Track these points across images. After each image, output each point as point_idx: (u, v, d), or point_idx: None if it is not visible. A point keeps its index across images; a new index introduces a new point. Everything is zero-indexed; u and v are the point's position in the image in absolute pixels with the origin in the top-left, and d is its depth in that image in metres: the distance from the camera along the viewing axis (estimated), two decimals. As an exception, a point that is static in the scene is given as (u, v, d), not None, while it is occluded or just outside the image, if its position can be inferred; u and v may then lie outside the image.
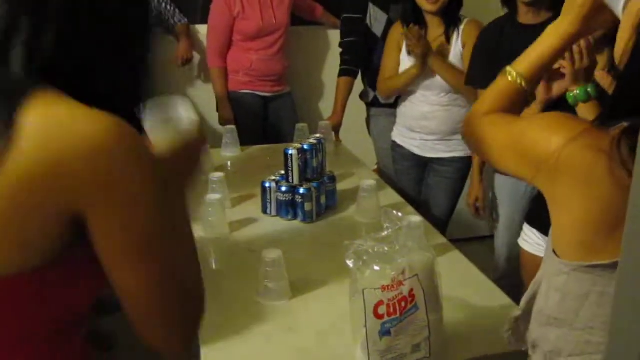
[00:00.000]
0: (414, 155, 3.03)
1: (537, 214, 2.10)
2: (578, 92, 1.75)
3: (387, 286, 1.37)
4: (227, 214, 2.23)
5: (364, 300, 1.36)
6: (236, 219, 2.27)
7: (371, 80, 3.26)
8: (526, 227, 2.17)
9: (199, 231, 2.14)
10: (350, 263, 1.42)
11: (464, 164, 2.94)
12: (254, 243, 2.12)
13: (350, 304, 1.43)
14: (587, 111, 1.74)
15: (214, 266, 2.03)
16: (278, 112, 3.71)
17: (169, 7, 3.69)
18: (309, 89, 4.11)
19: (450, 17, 2.80)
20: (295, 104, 3.81)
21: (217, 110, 3.67)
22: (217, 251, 2.09)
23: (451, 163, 2.95)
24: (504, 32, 2.48)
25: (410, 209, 2.41)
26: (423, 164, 3.05)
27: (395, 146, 3.11)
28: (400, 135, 3.07)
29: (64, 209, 0.80)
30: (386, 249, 1.46)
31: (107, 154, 0.79)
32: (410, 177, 3.08)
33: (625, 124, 0.99)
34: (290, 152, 2.24)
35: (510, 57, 2.31)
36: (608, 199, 0.98)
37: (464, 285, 1.83)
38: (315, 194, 2.25)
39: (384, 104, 3.23)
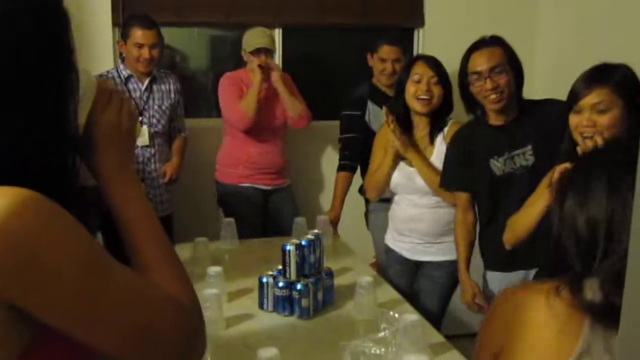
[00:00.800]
0: (405, 259, 3.03)
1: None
2: None
3: (384, 389, 1.36)
4: (224, 308, 2.22)
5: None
6: (233, 314, 2.26)
7: None
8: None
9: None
10: (346, 365, 1.41)
11: (455, 267, 2.89)
12: (249, 339, 2.10)
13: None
14: None
15: (208, 362, 2.00)
16: (278, 205, 3.74)
17: (179, 110, 3.69)
18: (308, 182, 4.17)
19: (438, 118, 2.86)
20: (295, 196, 3.85)
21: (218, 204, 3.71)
22: (212, 347, 2.06)
23: (441, 267, 2.93)
24: (475, 134, 2.59)
25: (407, 306, 2.40)
26: (415, 267, 3.03)
27: (387, 250, 3.12)
28: (392, 239, 3.09)
29: None
30: (382, 350, 1.45)
31: (11, 234, 0.73)
32: (403, 281, 3.05)
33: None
34: (288, 247, 2.25)
35: (482, 158, 2.42)
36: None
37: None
38: (313, 290, 2.25)
39: (382, 199, 3.27)
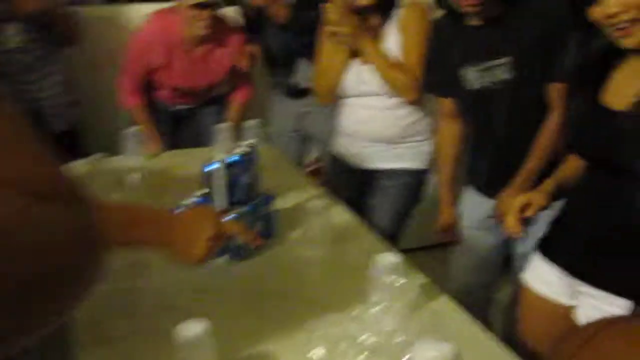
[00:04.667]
0: (354, 167, 2.49)
1: (557, 243, 1.62)
2: None
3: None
4: (129, 254, 1.63)
5: None
6: (140, 258, 1.66)
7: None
8: (538, 259, 1.65)
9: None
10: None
11: (415, 178, 2.43)
12: (164, 296, 1.53)
13: None
14: None
15: (107, 330, 1.42)
16: (202, 119, 3.18)
17: None
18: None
19: (387, 4, 2.26)
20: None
21: None
22: (114, 310, 1.48)
23: (397, 175, 2.42)
24: (450, 32, 2.03)
25: (365, 232, 1.88)
26: (365, 178, 2.49)
27: (334, 158, 2.58)
28: (340, 146, 2.54)
29: None
30: (373, 339, 0.92)
31: None
32: (351, 193, 2.49)
33: None
34: (211, 167, 1.65)
35: (459, 58, 1.88)
36: None
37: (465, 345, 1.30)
38: (248, 222, 1.68)
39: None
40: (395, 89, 2.24)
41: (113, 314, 1.46)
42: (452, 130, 2.18)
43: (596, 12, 1.35)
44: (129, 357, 1.30)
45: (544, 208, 1.60)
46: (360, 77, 2.31)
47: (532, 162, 1.88)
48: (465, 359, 1.26)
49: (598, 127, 1.45)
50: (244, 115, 2.99)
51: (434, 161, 2.37)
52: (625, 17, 1.31)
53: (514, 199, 1.62)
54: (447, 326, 1.41)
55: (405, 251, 1.79)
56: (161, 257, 1.64)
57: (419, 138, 2.38)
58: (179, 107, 3.13)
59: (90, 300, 1.41)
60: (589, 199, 1.53)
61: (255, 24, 3.06)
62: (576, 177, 1.61)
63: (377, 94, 2.30)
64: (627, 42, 1.34)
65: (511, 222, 1.60)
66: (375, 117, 2.36)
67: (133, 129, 2.46)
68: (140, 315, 1.46)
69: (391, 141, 2.38)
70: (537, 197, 1.60)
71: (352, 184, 2.52)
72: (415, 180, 2.44)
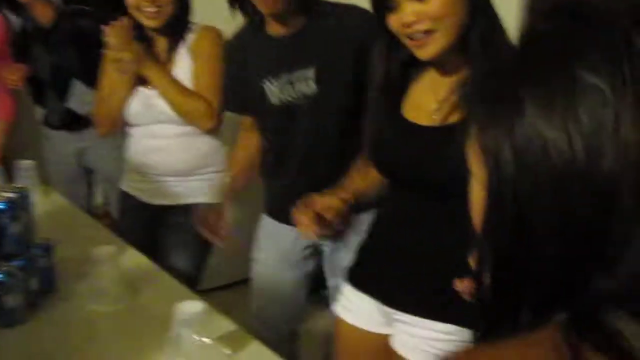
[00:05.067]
0: (144, 204, 2.28)
1: (365, 271, 1.55)
2: None
3: None
4: None
5: None
6: None
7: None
8: (348, 290, 1.57)
9: None
10: None
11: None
12: None
13: None
14: None
15: None
16: None
17: None
18: None
19: (176, 29, 2.13)
20: None
21: None
22: None
23: (193, 212, 2.19)
24: (249, 45, 1.93)
25: (168, 278, 1.70)
26: (157, 215, 2.28)
27: (124, 197, 2.35)
28: (128, 181, 2.32)
29: None
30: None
31: None
32: (141, 233, 2.28)
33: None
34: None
35: (259, 71, 1.78)
36: None
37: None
38: (22, 279, 1.43)
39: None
40: (187, 117, 2.09)
41: None
42: (251, 139, 2.04)
43: (393, 21, 1.32)
44: None
45: (342, 219, 1.55)
46: (148, 102, 2.13)
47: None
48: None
49: (401, 143, 1.41)
50: (7, 146, 2.63)
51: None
52: (420, 27, 1.28)
53: (310, 199, 1.55)
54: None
55: (208, 291, 1.66)
56: None
57: (213, 169, 2.23)
58: None
59: None
60: (394, 221, 1.50)
61: (19, 39, 2.67)
62: (375, 190, 1.57)
63: (167, 122, 2.13)
64: (422, 54, 1.32)
65: (304, 220, 1.52)
66: (166, 147, 2.18)
67: None
68: None
69: (184, 173, 2.21)
70: (335, 201, 1.54)
71: (144, 223, 2.30)
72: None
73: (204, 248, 2.27)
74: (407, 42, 1.32)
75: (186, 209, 2.21)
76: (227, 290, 3.15)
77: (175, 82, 2.08)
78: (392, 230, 1.49)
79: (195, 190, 2.22)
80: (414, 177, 1.40)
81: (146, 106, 2.13)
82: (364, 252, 1.57)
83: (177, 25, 2.12)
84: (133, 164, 2.27)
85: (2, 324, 1.41)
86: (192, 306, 1.27)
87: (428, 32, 1.28)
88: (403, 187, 1.45)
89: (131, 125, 2.21)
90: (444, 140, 1.27)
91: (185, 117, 2.09)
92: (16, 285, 1.42)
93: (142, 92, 2.13)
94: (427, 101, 1.40)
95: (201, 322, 1.26)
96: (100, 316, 1.53)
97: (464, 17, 1.29)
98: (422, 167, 1.37)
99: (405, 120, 1.41)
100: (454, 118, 1.34)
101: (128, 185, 2.31)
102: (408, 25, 1.29)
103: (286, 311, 2.07)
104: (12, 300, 1.42)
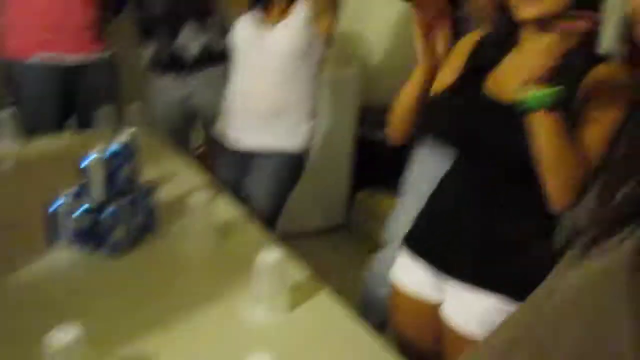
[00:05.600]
0: (235, 148, 2.45)
1: (422, 237, 1.63)
2: (539, 94, 1.26)
3: None
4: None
5: None
6: (11, 254, 1.57)
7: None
8: (405, 255, 1.65)
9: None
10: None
11: (291, 158, 2.40)
12: (36, 296, 1.45)
13: None
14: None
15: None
16: (87, 87, 2.84)
17: None
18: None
19: None
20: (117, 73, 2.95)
21: None
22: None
23: (274, 155, 2.38)
24: None
25: (256, 228, 1.86)
26: (244, 159, 2.45)
27: (218, 140, 2.51)
28: (222, 125, 2.49)
29: None
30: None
31: None
32: (232, 174, 2.46)
33: None
34: (89, 159, 1.58)
35: None
36: None
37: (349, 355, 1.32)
38: (127, 215, 1.62)
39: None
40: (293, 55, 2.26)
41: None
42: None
43: None
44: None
45: None
46: (255, 38, 2.28)
47: None
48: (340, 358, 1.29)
49: (479, 119, 1.46)
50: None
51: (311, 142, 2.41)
52: None
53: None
54: (328, 322, 1.43)
55: (287, 236, 1.79)
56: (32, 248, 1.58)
57: (301, 116, 2.38)
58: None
59: None
60: (456, 191, 1.55)
61: None
62: None
63: (266, 64, 2.29)
64: (526, 13, 1.35)
65: None
66: (258, 91, 2.33)
67: (7, 112, 2.32)
68: (8, 316, 1.38)
69: (272, 118, 2.36)
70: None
71: (234, 167, 2.46)
72: (293, 159, 2.41)
73: (282, 191, 2.42)
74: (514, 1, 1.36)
75: (272, 155, 2.38)
76: (307, 239, 3.33)
77: None
78: (453, 199, 1.55)
79: (283, 136, 2.38)
80: (486, 153, 1.45)
81: (251, 42, 2.29)
82: (423, 219, 1.64)
83: None
84: (228, 107, 2.44)
85: (108, 253, 1.61)
86: (273, 253, 1.42)
87: None
88: (472, 160, 1.51)
89: (234, 63, 2.38)
90: (521, 120, 1.33)
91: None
92: (123, 220, 1.61)
93: (256, 28, 2.30)
94: (511, 79, 1.43)
95: (280, 268, 1.41)
96: (191, 255, 1.70)
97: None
98: (497, 144, 1.41)
99: (487, 97, 1.47)
100: None
101: (222, 128, 2.48)
102: None
103: None
104: (119, 233, 1.61)
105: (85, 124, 2.72)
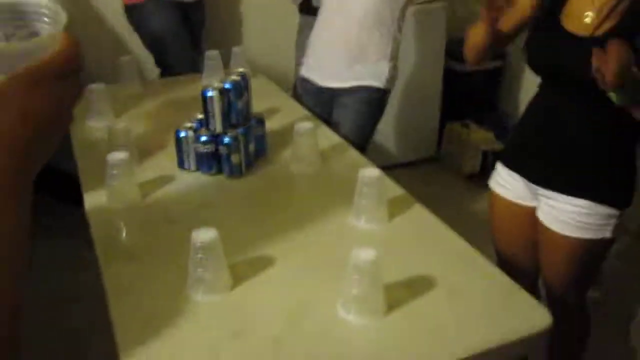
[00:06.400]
0: (318, 87, 2.59)
1: (515, 155, 1.82)
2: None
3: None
4: (136, 172, 1.81)
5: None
6: (147, 178, 1.85)
7: None
8: (501, 169, 1.88)
9: (102, 200, 1.72)
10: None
11: (374, 93, 2.52)
12: (172, 210, 1.72)
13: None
14: None
15: (125, 246, 1.61)
16: (195, 24, 3.17)
17: None
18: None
19: None
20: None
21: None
22: (128, 225, 1.68)
23: (358, 93, 2.52)
24: None
25: (353, 152, 2.07)
26: (328, 96, 2.59)
27: (303, 80, 2.67)
28: (306, 65, 2.66)
29: None
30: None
31: None
32: (320, 113, 2.56)
33: None
34: (209, 93, 1.81)
35: None
36: None
37: (443, 257, 1.52)
38: (243, 143, 1.86)
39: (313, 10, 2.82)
40: None
41: (127, 230, 1.66)
42: None
43: None
44: (152, 268, 1.48)
45: None
46: None
47: None
48: (434, 260, 1.49)
49: (555, 50, 1.64)
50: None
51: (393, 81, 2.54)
52: None
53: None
54: (423, 229, 1.63)
55: (380, 168, 1.97)
56: (167, 175, 1.85)
57: (380, 57, 2.48)
58: None
59: (101, 216, 1.64)
60: (543, 112, 1.74)
61: None
62: None
63: (356, 4, 2.40)
64: None
65: None
66: (337, 33, 2.47)
67: (127, 58, 2.59)
68: (152, 229, 1.65)
69: (352, 59, 2.48)
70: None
71: (320, 105, 2.60)
72: (374, 96, 2.52)
73: (366, 125, 2.57)
74: None
75: (350, 91, 2.52)
76: (400, 168, 3.51)
77: None
78: (541, 119, 1.74)
79: (365, 74, 2.50)
80: (566, 79, 1.62)
81: None
82: (516, 137, 1.85)
83: None
84: (309, 47, 2.62)
85: (228, 174, 1.86)
86: (371, 171, 1.63)
87: None
88: (555, 85, 1.68)
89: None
90: (590, 50, 1.46)
91: None
92: (239, 147, 1.85)
93: None
94: (584, 10, 1.59)
95: (378, 183, 1.61)
96: (298, 176, 1.93)
97: None
98: (574, 72, 1.57)
99: (562, 29, 1.62)
100: (604, 28, 1.53)
101: (305, 69, 2.66)
102: None
103: None
104: (236, 158, 1.85)
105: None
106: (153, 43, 3.02)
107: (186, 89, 2.57)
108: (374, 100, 2.54)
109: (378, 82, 2.51)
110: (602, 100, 1.48)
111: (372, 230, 1.60)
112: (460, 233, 1.58)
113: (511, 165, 1.84)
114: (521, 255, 1.88)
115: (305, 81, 2.67)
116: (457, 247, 1.55)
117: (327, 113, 2.61)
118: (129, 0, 2.98)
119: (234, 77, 1.91)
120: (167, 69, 3.02)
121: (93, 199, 1.73)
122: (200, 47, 3.10)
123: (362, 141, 2.55)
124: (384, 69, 2.50)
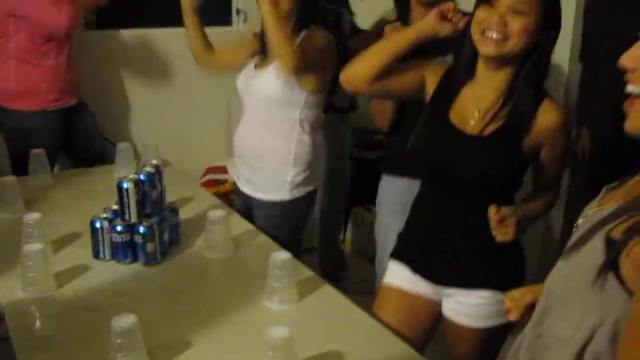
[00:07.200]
0: (240, 189, 2.47)
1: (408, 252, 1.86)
2: None
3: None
4: (50, 262, 1.83)
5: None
6: (63, 268, 1.88)
7: None
8: (396, 266, 1.86)
9: (17, 291, 1.74)
10: None
11: (288, 206, 2.34)
12: (89, 299, 1.75)
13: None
14: None
15: (42, 335, 1.62)
16: (82, 127, 3.36)
17: None
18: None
19: None
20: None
21: None
22: (45, 315, 1.69)
23: (263, 206, 2.37)
24: None
25: (264, 237, 2.17)
26: (248, 204, 2.44)
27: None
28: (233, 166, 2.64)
29: None
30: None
31: None
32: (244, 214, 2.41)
33: None
34: (125, 185, 1.89)
35: None
36: None
37: (352, 333, 1.63)
38: (158, 232, 1.93)
39: None
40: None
41: (44, 320, 1.67)
42: None
43: (482, 12, 1.58)
44: (71, 357, 1.50)
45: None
46: (249, 81, 2.33)
47: None
48: (344, 336, 1.59)
49: (442, 147, 1.68)
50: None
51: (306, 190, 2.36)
52: (500, 31, 1.55)
53: None
54: (327, 308, 1.74)
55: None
56: (82, 265, 1.89)
57: (281, 164, 2.31)
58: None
59: (18, 308, 1.66)
60: (427, 213, 1.80)
61: None
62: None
63: (256, 104, 2.31)
64: (489, 49, 1.57)
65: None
66: (247, 134, 2.37)
67: (36, 151, 2.63)
68: (69, 319, 1.68)
69: (253, 163, 2.35)
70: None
71: (243, 209, 2.46)
72: (281, 210, 2.34)
73: (286, 238, 2.26)
74: (478, 37, 1.59)
75: (261, 204, 2.36)
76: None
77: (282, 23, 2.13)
78: (431, 218, 1.78)
79: (267, 185, 2.34)
80: (450, 176, 1.68)
81: (243, 87, 2.34)
82: (408, 237, 1.87)
83: None
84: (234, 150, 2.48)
85: (144, 262, 1.91)
86: (281, 254, 1.73)
87: (504, 39, 1.56)
88: (439, 182, 1.75)
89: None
90: (479, 149, 1.60)
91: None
92: (154, 235, 1.92)
93: (250, 69, 2.35)
94: (470, 110, 1.67)
95: (288, 267, 1.72)
96: (212, 262, 2.00)
97: (527, 48, 1.58)
98: (460, 169, 1.64)
99: (450, 125, 1.67)
100: (490, 129, 1.63)
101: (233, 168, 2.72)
102: (496, 24, 1.55)
103: None
104: (150, 247, 1.91)
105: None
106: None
107: (97, 180, 2.63)
108: (283, 213, 2.35)
109: (282, 195, 2.32)
110: (488, 198, 1.61)
111: (284, 310, 1.70)
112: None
113: (411, 265, 1.81)
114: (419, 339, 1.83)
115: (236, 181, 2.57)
116: (366, 323, 1.66)
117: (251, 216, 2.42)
118: None
119: (148, 169, 2.00)
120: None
121: (7, 291, 1.75)
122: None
123: (290, 248, 2.08)
124: (285, 177, 2.31)
